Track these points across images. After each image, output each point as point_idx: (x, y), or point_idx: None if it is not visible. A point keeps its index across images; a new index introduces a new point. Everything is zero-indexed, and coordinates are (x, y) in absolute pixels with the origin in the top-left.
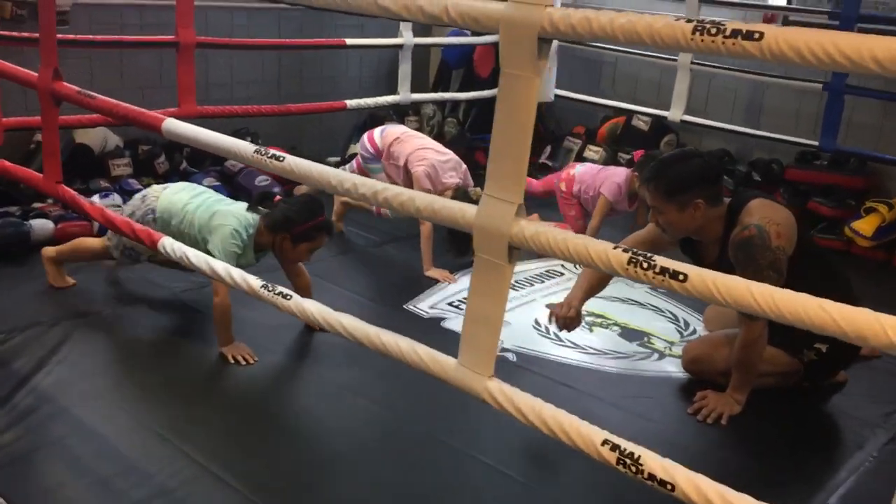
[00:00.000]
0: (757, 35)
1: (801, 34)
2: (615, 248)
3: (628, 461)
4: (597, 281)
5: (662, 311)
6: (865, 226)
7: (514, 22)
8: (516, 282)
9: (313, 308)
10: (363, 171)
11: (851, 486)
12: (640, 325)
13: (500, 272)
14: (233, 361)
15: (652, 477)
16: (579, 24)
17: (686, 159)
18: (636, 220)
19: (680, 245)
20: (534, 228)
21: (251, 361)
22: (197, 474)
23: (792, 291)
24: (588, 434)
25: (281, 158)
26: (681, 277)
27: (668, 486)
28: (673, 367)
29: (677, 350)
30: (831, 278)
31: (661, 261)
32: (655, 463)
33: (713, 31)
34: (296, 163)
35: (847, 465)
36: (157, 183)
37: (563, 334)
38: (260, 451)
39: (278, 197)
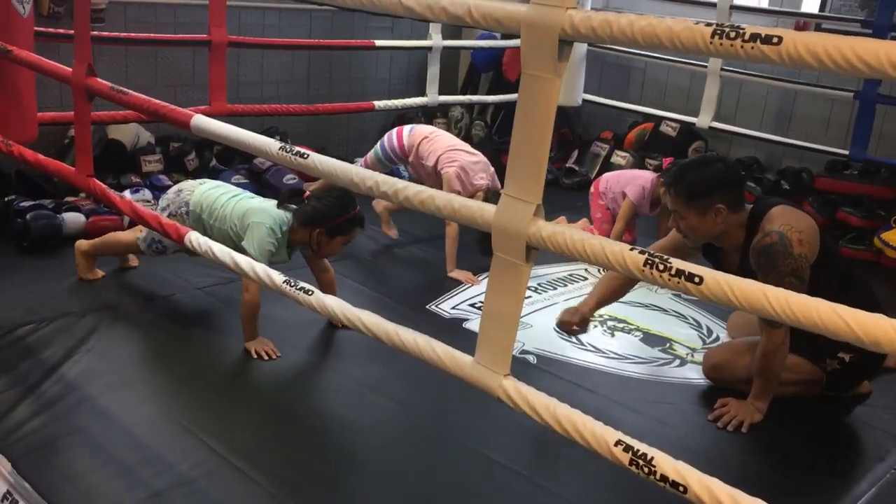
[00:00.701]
0: (776, 39)
1: (820, 39)
2: (631, 249)
3: (641, 462)
4: (613, 289)
5: (685, 318)
6: (895, 237)
7: (536, 23)
8: (539, 285)
9: (334, 304)
10: (372, 166)
11: (872, 498)
12: (663, 331)
13: (517, 272)
14: (256, 356)
15: (664, 478)
16: (600, 26)
17: (707, 164)
18: (659, 227)
19: (702, 251)
20: (551, 229)
21: (274, 357)
22: (218, 466)
23: (806, 296)
24: (602, 434)
25: (305, 156)
26: (696, 280)
27: (681, 488)
28: (694, 374)
29: (699, 357)
30: (852, 288)
31: (676, 263)
32: (668, 464)
33: (732, 34)
34: (319, 160)
35: (868, 477)
36: (187, 180)
37: (584, 338)
38: (280, 444)
39: (308, 192)
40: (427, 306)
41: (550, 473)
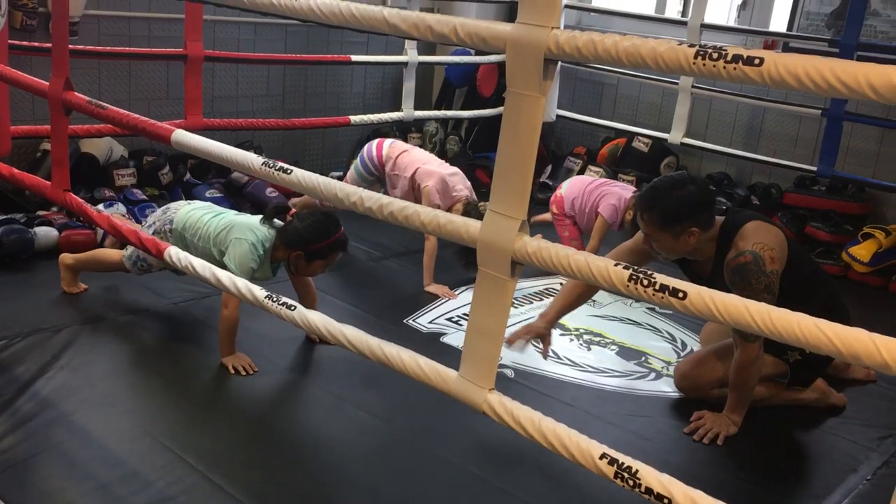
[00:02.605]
0: (757, 60)
1: (801, 60)
2: (616, 265)
3: (626, 475)
4: (573, 298)
5: (660, 332)
6: (862, 251)
7: (521, 43)
8: (515, 299)
9: (317, 319)
10: (352, 182)
11: None
12: (638, 345)
13: (502, 287)
14: (233, 372)
15: (649, 491)
16: (585, 46)
17: (679, 188)
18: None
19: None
20: (536, 244)
21: (251, 372)
22: (197, 482)
23: (788, 310)
24: (587, 448)
25: (289, 171)
26: (680, 295)
27: (665, 501)
28: (669, 387)
29: (673, 370)
30: (820, 287)
31: (660, 278)
32: (653, 477)
33: (715, 55)
34: (303, 175)
35: (840, 488)
36: (161, 193)
37: (561, 351)
38: (259, 460)
39: (293, 210)
40: (404, 321)
41: (530, 487)
